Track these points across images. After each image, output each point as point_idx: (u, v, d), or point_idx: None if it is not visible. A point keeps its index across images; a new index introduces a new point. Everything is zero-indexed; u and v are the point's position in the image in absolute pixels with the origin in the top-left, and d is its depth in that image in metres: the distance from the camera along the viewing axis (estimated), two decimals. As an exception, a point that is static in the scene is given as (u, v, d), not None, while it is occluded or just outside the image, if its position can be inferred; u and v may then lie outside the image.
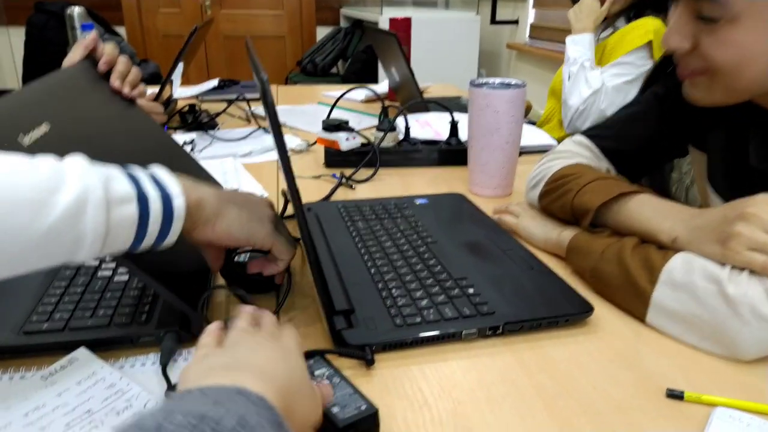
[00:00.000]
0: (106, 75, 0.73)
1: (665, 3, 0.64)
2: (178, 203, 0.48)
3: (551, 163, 0.80)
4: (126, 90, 0.74)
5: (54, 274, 0.63)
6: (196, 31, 1.37)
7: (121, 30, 3.73)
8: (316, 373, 0.47)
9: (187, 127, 1.36)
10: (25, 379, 0.49)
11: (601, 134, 0.81)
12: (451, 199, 0.91)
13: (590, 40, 1.61)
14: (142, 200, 0.46)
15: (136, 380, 0.48)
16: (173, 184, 0.49)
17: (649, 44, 1.51)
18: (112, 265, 0.65)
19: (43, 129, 0.52)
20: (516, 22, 3.29)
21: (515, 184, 0.98)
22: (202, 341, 0.43)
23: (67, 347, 0.51)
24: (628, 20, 1.60)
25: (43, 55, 3.15)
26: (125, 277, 0.62)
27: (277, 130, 0.50)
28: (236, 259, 0.64)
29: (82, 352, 0.50)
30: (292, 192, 0.51)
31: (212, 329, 0.44)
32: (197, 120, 1.36)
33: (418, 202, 0.89)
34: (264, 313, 0.47)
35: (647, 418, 0.46)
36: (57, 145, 0.52)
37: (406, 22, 1.70)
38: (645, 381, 0.50)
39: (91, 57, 0.74)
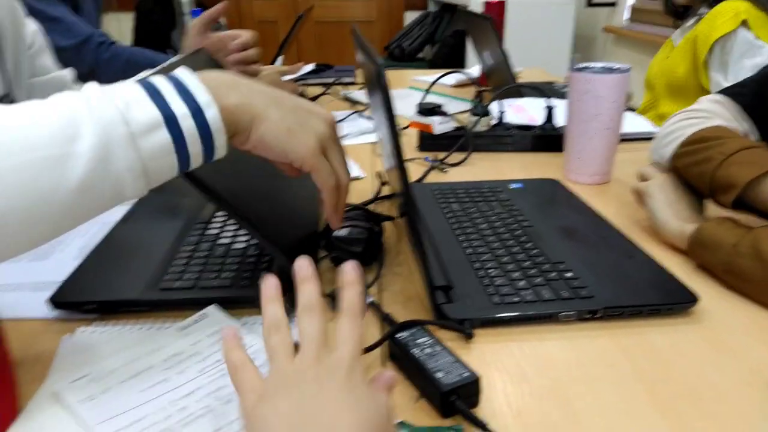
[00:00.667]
0: (215, 65, 0.79)
1: None
2: (212, 114, 0.43)
3: (688, 121, 0.75)
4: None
5: (180, 240, 0.69)
6: (301, 18, 1.42)
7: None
8: (418, 341, 0.50)
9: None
10: (163, 329, 0.55)
11: (742, 92, 0.76)
12: (546, 185, 0.91)
13: None
14: (171, 121, 0.42)
15: (257, 335, 0.53)
16: (201, 91, 0.43)
17: (744, 25, 1.41)
18: (231, 232, 0.71)
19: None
20: (614, 4, 3.16)
21: (614, 172, 0.96)
22: (234, 357, 0.40)
23: (197, 303, 0.57)
24: (710, 5, 1.50)
25: (150, 39, 3.36)
26: (243, 245, 0.68)
27: (389, 113, 0.53)
28: (335, 234, 0.68)
29: (212, 309, 0.56)
30: (401, 170, 0.54)
31: (232, 342, 0.41)
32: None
33: (513, 186, 0.89)
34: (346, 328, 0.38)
35: (751, 408, 0.46)
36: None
37: (501, 6, 1.69)
38: (751, 372, 0.50)
39: (204, 48, 0.80)
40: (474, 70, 1.79)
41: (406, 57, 3.79)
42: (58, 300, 0.57)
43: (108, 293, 0.58)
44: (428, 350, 0.49)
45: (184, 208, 0.79)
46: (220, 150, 0.46)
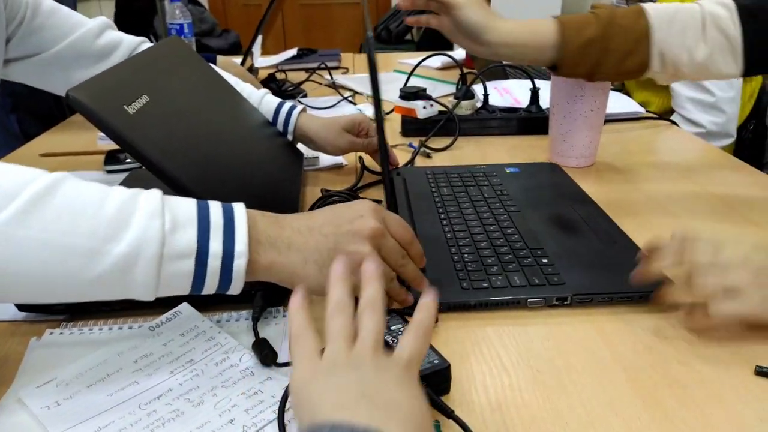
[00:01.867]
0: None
1: None
2: (239, 264, 0.44)
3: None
4: None
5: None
6: (274, 1, 1.40)
7: (204, 0, 3.84)
8: (391, 328, 0.49)
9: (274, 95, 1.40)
10: (133, 329, 0.54)
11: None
12: (542, 169, 0.90)
13: None
14: (201, 256, 0.43)
15: (231, 334, 0.52)
16: (241, 238, 0.45)
17: None
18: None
19: (143, 100, 0.56)
20: (601, -19, 3.12)
21: (599, 154, 0.95)
22: (296, 324, 0.38)
23: (169, 303, 0.55)
24: None
25: (131, 26, 3.31)
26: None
27: (376, 95, 0.52)
28: None
29: (185, 307, 0.55)
30: (382, 152, 0.53)
31: (299, 308, 0.39)
32: (281, 89, 1.39)
33: (509, 170, 0.88)
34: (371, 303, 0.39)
35: (734, 394, 0.45)
36: (156, 115, 0.56)
37: (486, -14, 1.66)
38: (733, 357, 0.49)
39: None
40: (459, 52, 1.76)
41: (393, 39, 3.73)
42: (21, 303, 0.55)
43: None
44: (399, 336, 0.48)
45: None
46: (235, 290, 0.46)
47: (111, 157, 0.96)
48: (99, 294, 0.43)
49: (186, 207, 0.45)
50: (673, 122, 1.17)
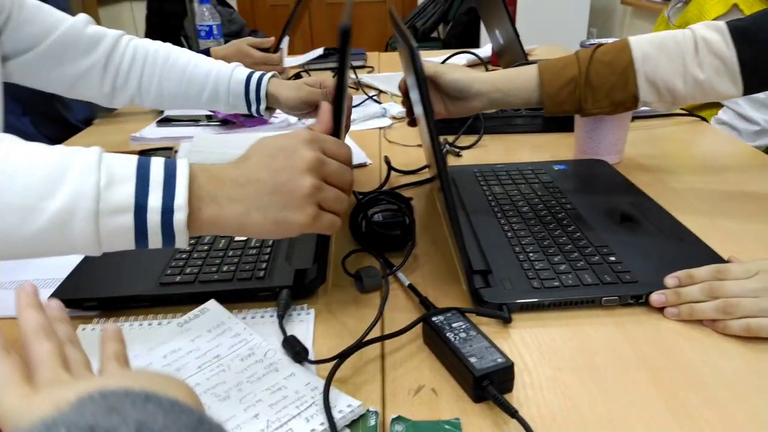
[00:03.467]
0: None
1: None
2: (179, 218, 0.44)
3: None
4: None
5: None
6: (301, 1, 1.41)
7: (232, 1, 3.89)
8: (453, 325, 0.50)
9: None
10: (162, 325, 0.55)
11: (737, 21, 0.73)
12: (590, 166, 0.89)
13: None
14: (140, 210, 0.44)
15: (256, 331, 0.53)
16: (181, 192, 0.45)
17: (735, 8, 1.32)
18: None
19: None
20: (632, -25, 3.06)
21: (627, 152, 0.94)
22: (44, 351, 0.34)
23: (197, 298, 0.57)
24: None
25: (162, 27, 3.37)
26: (243, 238, 0.67)
27: (425, 98, 0.52)
28: (368, 217, 0.69)
29: (212, 304, 0.56)
30: (438, 157, 0.53)
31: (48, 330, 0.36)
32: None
33: (557, 167, 0.88)
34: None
35: (758, 395, 0.44)
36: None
37: (513, -19, 1.64)
38: (759, 358, 0.48)
39: None
40: (486, 49, 1.75)
41: (420, 37, 3.73)
42: (58, 297, 0.57)
43: (108, 290, 0.59)
44: (463, 335, 0.49)
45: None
46: (181, 244, 0.46)
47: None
48: (42, 250, 0.44)
49: (125, 163, 0.45)
50: (704, 119, 1.14)
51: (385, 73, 1.65)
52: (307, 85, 0.93)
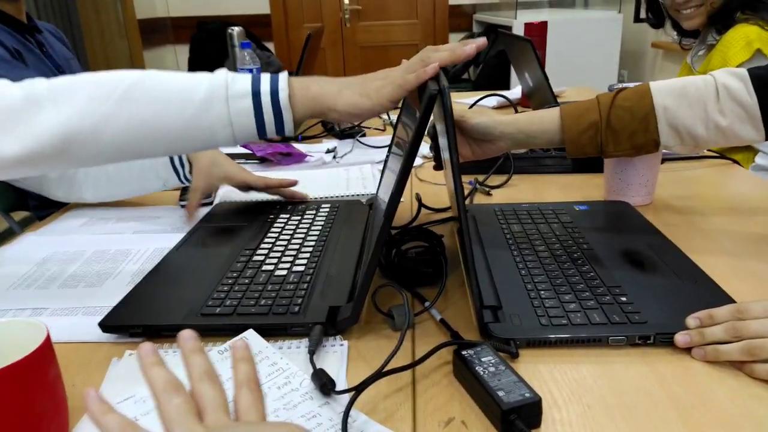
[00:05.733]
0: None
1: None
2: (283, 96, 0.62)
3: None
4: None
5: (227, 266, 0.72)
6: (309, 39, 1.48)
7: (270, 45, 4.05)
8: (483, 359, 0.51)
9: (330, 134, 1.47)
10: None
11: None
12: (612, 207, 0.91)
13: None
14: (255, 94, 0.61)
15: (291, 360, 0.55)
16: (283, 81, 0.62)
17: (759, 53, 1.33)
18: (275, 259, 0.74)
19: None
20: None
21: (657, 193, 0.95)
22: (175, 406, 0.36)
23: (235, 330, 0.60)
24: (719, 32, 1.43)
25: (204, 70, 3.52)
26: (284, 272, 0.70)
27: (452, 138, 0.56)
28: (401, 252, 0.71)
29: (250, 333, 0.59)
30: (458, 195, 0.56)
31: (177, 385, 0.38)
32: (341, 129, 1.46)
33: (578, 208, 0.89)
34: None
35: (794, 439, 0.44)
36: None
37: (542, 26, 1.69)
38: (794, 401, 0.48)
39: None
40: (516, 91, 1.79)
41: (450, 79, 3.81)
42: (107, 324, 0.60)
43: (153, 318, 0.62)
44: (492, 369, 0.50)
45: (235, 235, 0.83)
46: (288, 124, 0.63)
47: (186, 192, 1.03)
48: (194, 136, 0.61)
49: (246, 73, 0.63)
50: (735, 161, 1.14)
51: (417, 114, 1.69)
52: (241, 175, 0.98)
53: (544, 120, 0.81)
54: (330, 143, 1.39)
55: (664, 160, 1.08)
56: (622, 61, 3.20)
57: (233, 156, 1.27)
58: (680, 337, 0.55)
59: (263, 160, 1.25)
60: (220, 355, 0.56)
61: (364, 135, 1.45)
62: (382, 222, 0.58)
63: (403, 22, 4.20)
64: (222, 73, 0.63)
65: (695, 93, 0.75)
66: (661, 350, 0.56)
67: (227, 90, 0.61)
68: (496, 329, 0.57)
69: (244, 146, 1.28)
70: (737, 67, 1.32)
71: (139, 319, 0.61)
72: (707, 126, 0.74)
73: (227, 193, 1.03)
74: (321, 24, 4.14)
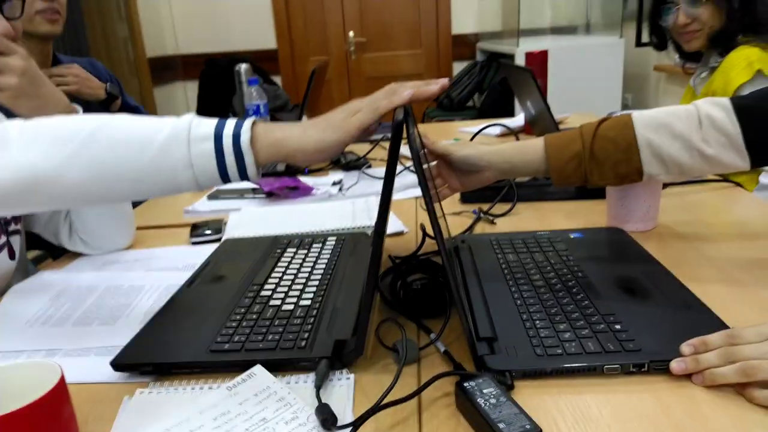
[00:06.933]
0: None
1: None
2: (245, 139, 0.62)
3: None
4: None
5: (235, 302, 0.74)
6: (314, 74, 1.52)
7: (277, 78, 4.12)
8: (485, 391, 0.52)
9: (336, 166, 1.50)
10: (213, 389, 0.59)
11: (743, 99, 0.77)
12: (607, 234, 0.92)
13: None
14: (218, 138, 0.62)
15: (299, 395, 0.56)
16: (247, 124, 0.63)
17: (760, 74, 1.35)
18: (282, 294, 0.75)
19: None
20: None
21: (661, 218, 0.95)
22: None
23: (243, 366, 0.61)
24: (721, 54, 1.46)
25: (213, 104, 3.59)
26: (291, 306, 0.72)
27: (420, 169, 0.57)
28: (405, 284, 0.72)
29: (258, 369, 0.60)
30: (435, 227, 0.57)
31: None
32: (347, 161, 1.48)
33: (573, 236, 0.90)
34: None
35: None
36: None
37: (543, 55, 1.72)
38: (798, 428, 0.48)
39: None
40: (519, 118, 1.81)
41: (455, 106, 3.85)
42: (118, 363, 0.62)
43: (162, 356, 0.63)
44: (493, 401, 0.51)
45: (243, 271, 0.84)
46: (250, 168, 0.63)
47: (196, 229, 1.05)
48: (154, 179, 0.61)
49: (211, 118, 0.64)
50: (739, 184, 1.15)
51: (422, 144, 1.71)
52: None
53: (529, 150, 0.83)
54: (336, 175, 1.41)
55: (666, 186, 1.09)
56: (625, 85, 3.23)
57: (240, 192, 1.29)
58: (675, 365, 0.56)
59: (270, 195, 1.27)
60: (229, 391, 0.57)
61: (369, 167, 1.47)
62: (372, 251, 0.60)
63: (407, 53, 4.27)
64: (187, 117, 0.63)
65: (677, 122, 0.76)
66: (659, 378, 0.56)
67: (189, 132, 0.62)
68: (492, 361, 0.58)
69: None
70: (739, 87, 1.35)
71: (149, 357, 0.63)
72: (692, 155, 0.76)
73: (235, 229, 1.05)
74: (326, 57, 4.22)
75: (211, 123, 0.63)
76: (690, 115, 0.77)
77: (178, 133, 0.61)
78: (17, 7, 0.88)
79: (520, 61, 3.03)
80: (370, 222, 1.06)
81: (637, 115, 0.79)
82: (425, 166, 0.70)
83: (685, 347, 0.57)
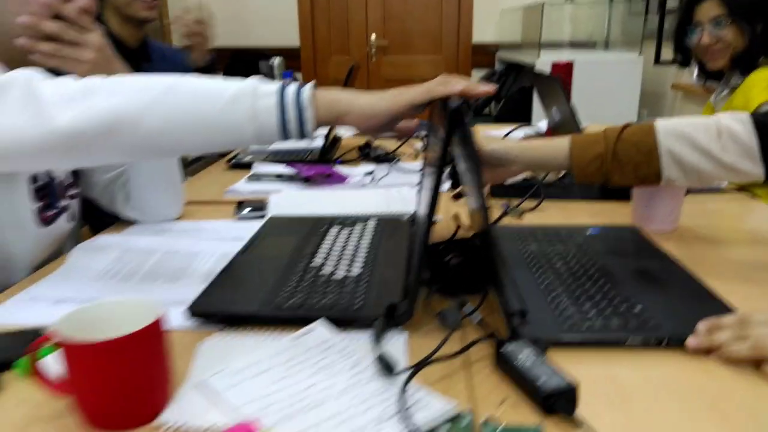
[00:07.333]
0: None
1: None
2: (306, 95, 0.68)
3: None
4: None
5: (289, 270, 0.80)
6: (353, 71, 1.59)
7: (299, 76, 4.20)
8: (521, 354, 0.58)
9: (366, 159, 1.56)
10: (279, 340, 0.65)
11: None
12: (623, 231, 0.98)
13: None
14: (281, 93, 0.68)
15: (357, 348, 0.62)
16: (308, 85, 0.70)
17: None
18: (331, 266, 0.81)
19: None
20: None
21: (681, 221, 1.01)
22: None
23: (304, 321, 0.67)
24: (742, 74, 1.52)
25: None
26: (342, 274, 0.78)
27: (475, 155, 0.63)
28: (444, 263, 0.78)
29: (320, 323, 0.66)
30: (483, 213, 0.63)
31: None
32: (377, 154, 1.55)
33: (590, 231, 0.96)
34: None
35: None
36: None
37: (568, 66, 1.78)
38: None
39: None
40: (541, 124, 1.87)
41: (473, 112, 3.91)
42: (195, 310, 0.68)
43: (233, 308, 0.69)
44: (529, 362, 0.56)
45: (291, 245, 0.91)
46: (309, 123, 0.69)
47: (241, 206, 1.12)
48: (222, 130, 0.68)
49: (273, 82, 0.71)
50: (757, 196, 1.21)
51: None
52: None
53: (555, 147, 0.89)
54: (367, 167, 1.48)
55: (688, 192, 1.15)
56: (642, 101, 3.29)
57: (279, 176, 1.35)
58: (691, 340, 0.62)
59: (306, 180, 1.34)
60: (293, 342, 0.63)
61: (398, 161, 1.54)
62: (424, 230, 0.66)
63: (427, 58, 4.34)
64: (255, 78, 0.70)
65: (698, 132, 0.83)
66: (676, 352, 0.62)
67: (255, 88, 0.68)
68: (525, 330, 0.64)
69: (291, 165, 1.37)
70: (759, 106, 1.41)
71: (220, 308, 0.69)
72: (709, 162, 0.82)
73: (277, 208, 1.11)
74: (349, 57, 4.30)
75: (275, 83, 0.70)
76: (710, 126, 0.83)
77: (245, 88, 0.68)
78: None
79: (541, 71, 3.09)
80: (404, 209, 1.12)
81: (660, 123, 0.85)
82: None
83: (701, 325, 0.63)
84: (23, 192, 0.86)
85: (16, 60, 0.83)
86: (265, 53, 3.56)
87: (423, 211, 0.69)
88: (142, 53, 1.63)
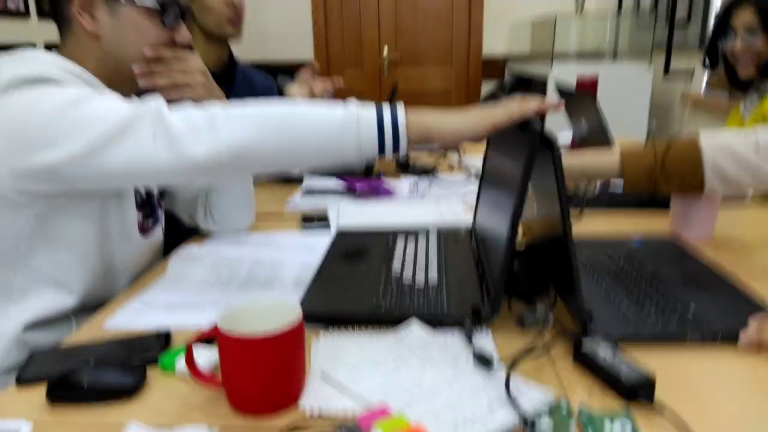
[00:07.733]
0: None
1: None
2: (401, 122, 0.77)
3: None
4: None
5: (373, 276, 0.89)
6: (395, 90, 1.67)
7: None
8: (599, 349, 0.65)
9: (405, 172, 1.65)
10: (383, 338, 0.73)
11: None
12: (664, 242, 1.06)
13: None
14: (380, 125, 0.77)
15: (453, 343, 0.70)
16: (401, 115, 0.78)
17: None
18: (410, 271, 0.90)
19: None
20: (692, 74, 3.28)
21: (717, 229, 1.10)
22: None
23: (400, 320, 0.75)
24: None
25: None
26: (422, 281, 0.87)
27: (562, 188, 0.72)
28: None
29: (415, 322, 0.74)
30: (566, 222, 0.72)
31: None
32: (416, 168, 1.64)
33: (635, 243, 1.05)
34: None
35: None
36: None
37: (593, 82, 1.87)
38: None
39: None
40: (563, 137, 1.97)
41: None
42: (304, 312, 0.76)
43: (337, 309, 0.78)
44: (609, 357, 0.64)
45: (365, 256, 0.99)
46: (403, 149, 0.79)
47: (307, 220, 1.20)
48: (333, 154, 0.78)
49: (372, 105, 0.80)
50: (780, 203, 1.29)
51: (475, 153, 1.87)
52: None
53: (606, 158, 1.00)
54: (407, 180, 1.57)
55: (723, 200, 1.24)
56: (651, 112, 3.39)
57: (331, 191, 1.44)
58: (743, 335, 0.70)
59: (356, 193, 1.42)
60: (396, 338, 0.72)
61: (437, 172, 1.63)
62: (507, 239, 0.74)
63: (438, 70, 4.44)
64: (353, 105, 0.79)
65: (738, 145, 0.93)
66: (730, 348, 0.70)
67: (359, 119, 0.77)
68: (597, 327, 0.72)
69: (343, 179, 1.45)
70: None
71: (329, 309, 0.78)
72: (748, 173, 0.92)
73: (339, 219, 1.20)
74: (363, 69, 4.39)
75: (372, 111, 0.78)
76: (749, 140, 0.92)
77: (350, 118, 0.77)
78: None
79: (552, 84, 3.18)
80: (456, 219, 1.20)
81: (704, 138, 0.95)
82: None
83: (752, 320, 0.71)
84: (131, 204, 0.94)
85: (128, 87, 0.91)
86: (279, 67, 3.66)
87: (500, 225, 0.78)
88: (226, 75, 1.63)
